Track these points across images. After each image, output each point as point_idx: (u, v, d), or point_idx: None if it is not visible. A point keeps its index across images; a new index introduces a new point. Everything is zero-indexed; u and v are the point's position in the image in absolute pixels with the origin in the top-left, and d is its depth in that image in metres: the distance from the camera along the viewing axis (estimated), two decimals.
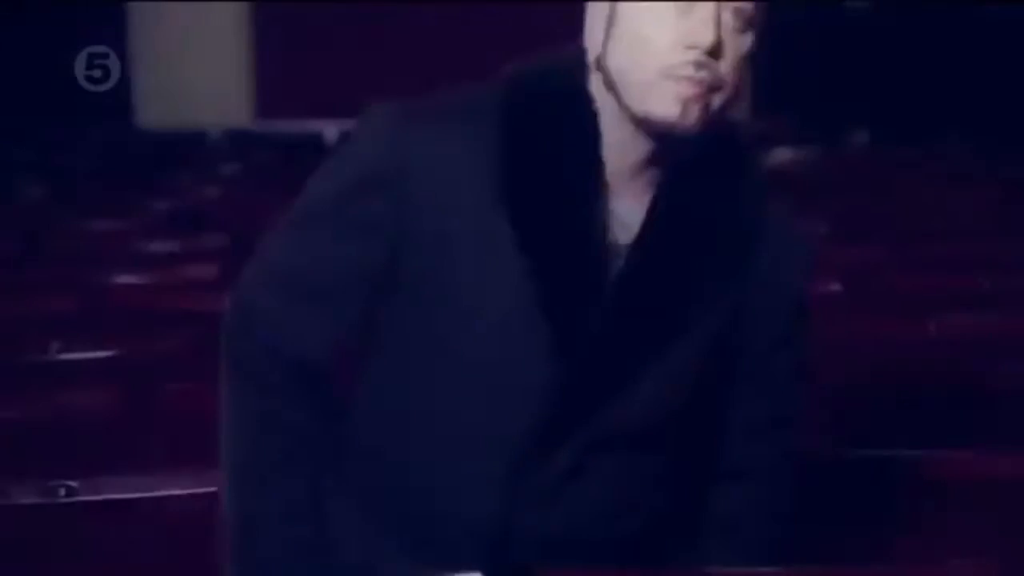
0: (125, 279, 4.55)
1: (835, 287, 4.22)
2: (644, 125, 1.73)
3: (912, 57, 10.61)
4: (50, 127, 9.74)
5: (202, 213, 6.23)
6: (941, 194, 6.75)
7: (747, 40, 1.73)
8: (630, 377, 1.79)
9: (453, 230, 1.75)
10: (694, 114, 1.70)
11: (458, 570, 1.81)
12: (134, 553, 2.48)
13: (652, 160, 1.78)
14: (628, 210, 1.79)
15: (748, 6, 1.71)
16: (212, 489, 2.42)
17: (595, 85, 1.78)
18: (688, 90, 1.69)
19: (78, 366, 3.47)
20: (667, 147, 1.76)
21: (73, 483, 2.42)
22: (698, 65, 1.69)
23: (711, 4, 1.69)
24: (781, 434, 1.95)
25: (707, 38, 1.68)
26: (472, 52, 11.43)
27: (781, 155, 7.99)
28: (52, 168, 8.32)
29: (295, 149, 9.60)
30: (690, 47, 1.69)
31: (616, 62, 1.74)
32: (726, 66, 1.70)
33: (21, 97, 9.82)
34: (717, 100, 1.72)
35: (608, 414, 1.80)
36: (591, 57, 1.78)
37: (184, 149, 9.46)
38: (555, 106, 1.78)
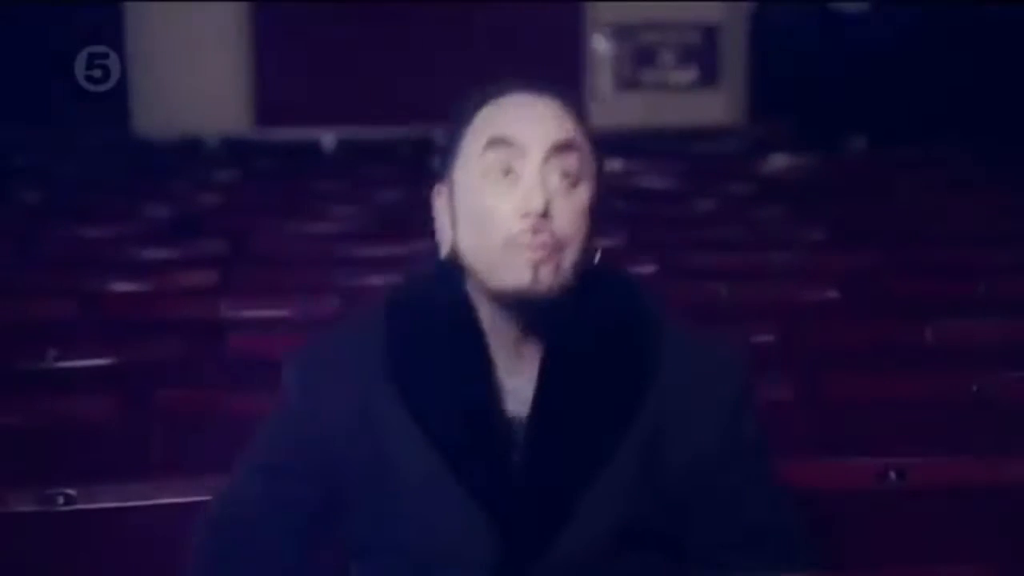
0: (122, 286, 4.55)
1: (832, 293, 4.23)
2: (504, 298, 1.84)
3: (910, 61, 10.61)
4: (47, 132, 9.73)
5: (200, 220, 6.24)
6: (939, 199, 6.76)
7: (581, 194, 1.84)
8: (563, 530, 1.85)
9: (371, 444, 1.87)
10: (546, 276, 1.80)
11: None
12: (132, 561, 2.48)
13: (530, 331, 1.87)
14: (524, 382, 1.88)
15: (572, 165, 1.83)
16: (209, 498, 2.44)
17: (468, 280, 1.89)
18: (534, 255, 1.80)
19: (75, 373, 3.47)
20: (538, 315, 1.86)
21: (71, 491, 2.43)
22: (535, 230, 1.79)
23: (535, 170, 1.81)
24: (763, 547, 1.92)
25: (537, 203, 1.79)
26: (471, 59, 11.45)
27: (779, 161, 7.99)
28: (49, 174, 8.32)
29: (293, 157, 9.61)
30: (524, 215, 1.79)
31: (465, 245, 1.86)
32: (563, 224, 1.81)
33: (17, 101, 9.81)
34: (567, 257, 1.82)
35: (555, 566, 1.85)
36: (445, 250, 1.89)
37: (182, 156, 9.46)
38: (431, 304, 1.91)
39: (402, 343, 1.90)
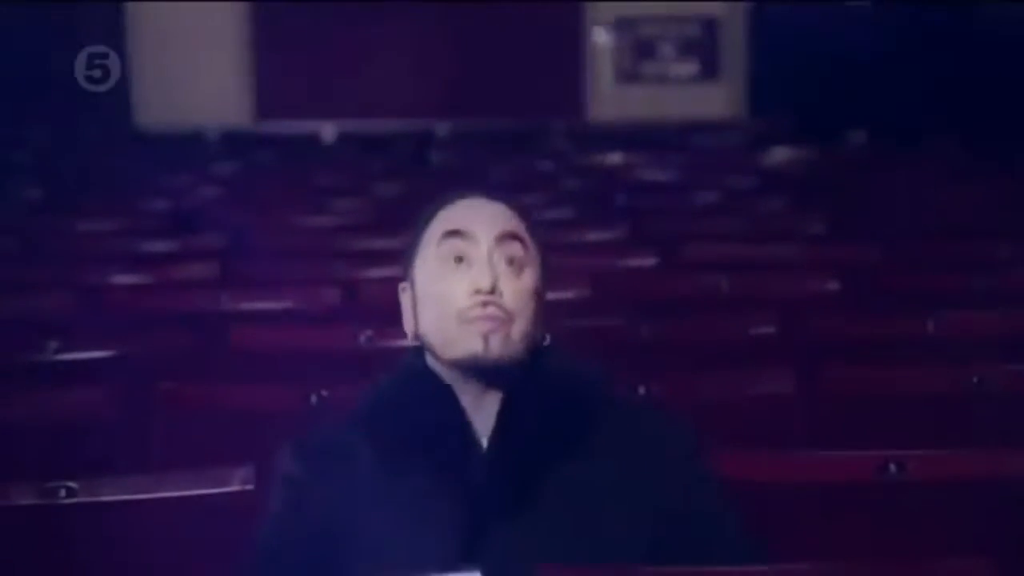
0: (123, 279, 4.55)
1: (833, 285, 4.23)
2: (461, 366, 2.14)
3: (909, 56, 10.61)
4: (48, 127, 9.73)
5: (200, 213, 6.25)
6: (939, 193, 6.76)
7: (527, 279, 2.16)
8: (521, 546, 2.11)
9: (368, 487, 2.16)
10: (496, 345, 2.11)
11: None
12: (133, 554, 2.48)
13: (488, 391, 2.16)
14: (484, 425, 2.17)
15: (516, 252, 2.15)
16: (211, 491, 2.44)
17: (432, 356, 2.19)
18: (484, 326, 2.11)
19: (76, 366, 3.48)
20: (493, 380, 2.15)
21: (73, 484, 2.43)
22: (484, 304, 2.11)
23: (484, 254, 2.14)
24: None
25: (485, 282, 2.11)
26: (472, 54, 11.45)
27: (779, 154, 8.01)
28: (50, 168, 8.32)
29: (293, 149, 9.61)
30: (475, 292, 2.11)
31: (426, 326, 2.17)
32: (511, 299, 2.13)
33: (18, 98, 9.81)
34: (517, 329, 2.13)
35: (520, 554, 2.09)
36: (410, 336, 2.21)
37: (182, 149, 9.46)
38: (407, 384, 2.20)
39: (384, 406, 2.20)
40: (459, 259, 2.14)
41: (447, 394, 2.17)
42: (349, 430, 2.21)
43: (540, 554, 2.06)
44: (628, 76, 11.60)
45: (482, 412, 2.17)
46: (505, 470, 2.13)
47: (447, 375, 2.16)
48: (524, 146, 9.46)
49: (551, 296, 2.23)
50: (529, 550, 2.08)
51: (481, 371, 2.13)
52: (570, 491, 2.13)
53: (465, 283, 2.12)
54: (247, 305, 4.09)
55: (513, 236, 2.16)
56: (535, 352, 2.16)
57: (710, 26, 11.59)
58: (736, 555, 2.13)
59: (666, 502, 2.14)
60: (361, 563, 2.14)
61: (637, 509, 2.13)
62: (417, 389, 2.19)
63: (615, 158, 8.42)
